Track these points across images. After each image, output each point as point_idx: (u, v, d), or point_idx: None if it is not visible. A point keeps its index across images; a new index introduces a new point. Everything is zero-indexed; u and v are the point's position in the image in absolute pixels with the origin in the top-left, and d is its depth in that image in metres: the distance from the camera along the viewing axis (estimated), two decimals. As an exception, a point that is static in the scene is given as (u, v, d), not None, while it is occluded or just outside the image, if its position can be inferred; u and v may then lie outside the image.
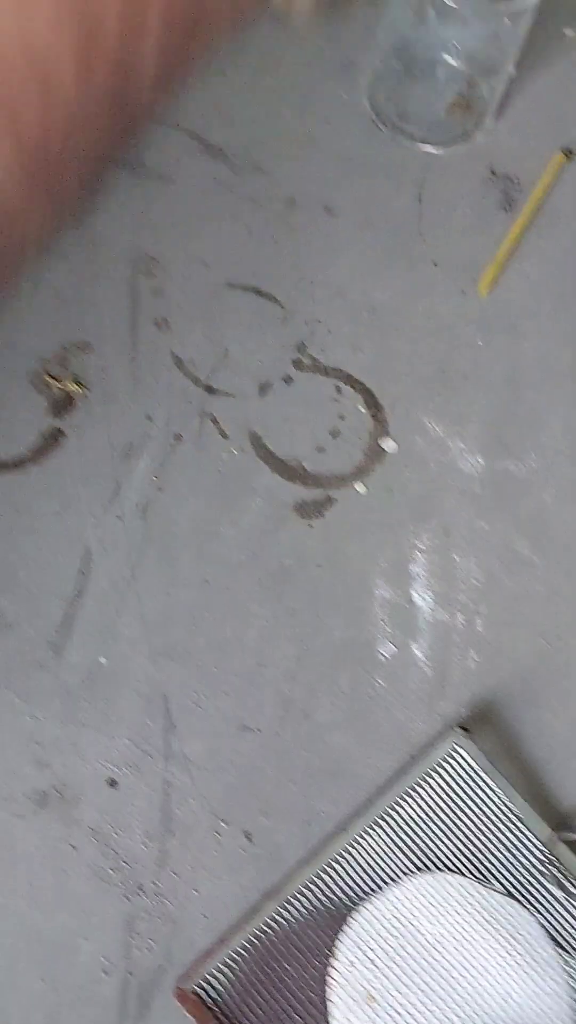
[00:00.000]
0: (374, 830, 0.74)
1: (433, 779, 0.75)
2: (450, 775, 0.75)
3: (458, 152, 0.90)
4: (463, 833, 0.75)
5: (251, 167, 0.89)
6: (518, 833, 0.75)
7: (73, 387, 0.85)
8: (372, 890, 0.74)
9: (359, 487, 0.82)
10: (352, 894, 0.74)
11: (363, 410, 0.84)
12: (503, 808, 0.75)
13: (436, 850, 0.74)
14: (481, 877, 0.74)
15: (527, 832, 0.74)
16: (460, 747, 0.75)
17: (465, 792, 0.75)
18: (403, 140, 0.89)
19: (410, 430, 0.84)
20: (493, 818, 0.75)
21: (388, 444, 0.83)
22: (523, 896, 0.74)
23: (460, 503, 0.82)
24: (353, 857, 0.74)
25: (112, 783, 0.76)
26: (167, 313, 0.85)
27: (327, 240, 0.87)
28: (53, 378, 0.84)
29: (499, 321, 0.85)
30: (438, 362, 0.85)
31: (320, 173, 0.89)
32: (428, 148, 0.89)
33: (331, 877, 0.74)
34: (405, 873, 0.74)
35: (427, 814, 0.75)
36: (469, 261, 0.87)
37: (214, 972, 0.72)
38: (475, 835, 0.75)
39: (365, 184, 0.89)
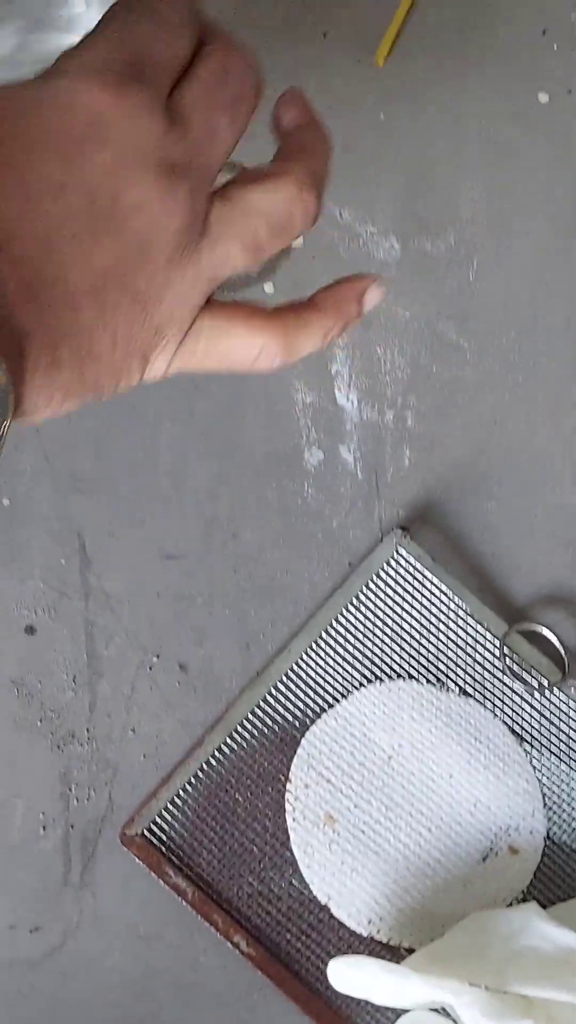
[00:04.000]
0: (319, 646, 0.61)
1: (377, 586, 0.61)
2: (395, 580, 0.61)
3: None
4: (413, 639, 0.61)
5: None
6: (471, 631, 0.61)
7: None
8: (322, 708, 0.60)
9: (267, 287, 0.64)
10: (302, 715, 0.61)
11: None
12: (454, 607, 0.61)
13: (387, 659, 0.61)
14: (436, 681, 0.60)
15: (481, 629, 0.61)
16: (402, 549, 0.61)
17: (412, 596, 0.61)
18: None
19: (315, 216, 0.64)
20: (444, 619, 0.61)
21: (293, 234, 0.64)
22: (482, 695, 0.60)
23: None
24: (300, 677, 0.61)
25: (30, 630, 0.61)
26: None
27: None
28: None
29: (400, 91, 0.64)
30: (338, 142, 0.64)
31: None
32: None
33: (278, 700, 0.61)
34: (356, 687, 0.60)
35: (373, 623, 0.61)
36: (362, 28, 0.66)
37: (161, 813, 0.59)
38: (426, 639, 0.61)
39: None
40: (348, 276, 0.40)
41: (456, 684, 0.62)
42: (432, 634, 0.63)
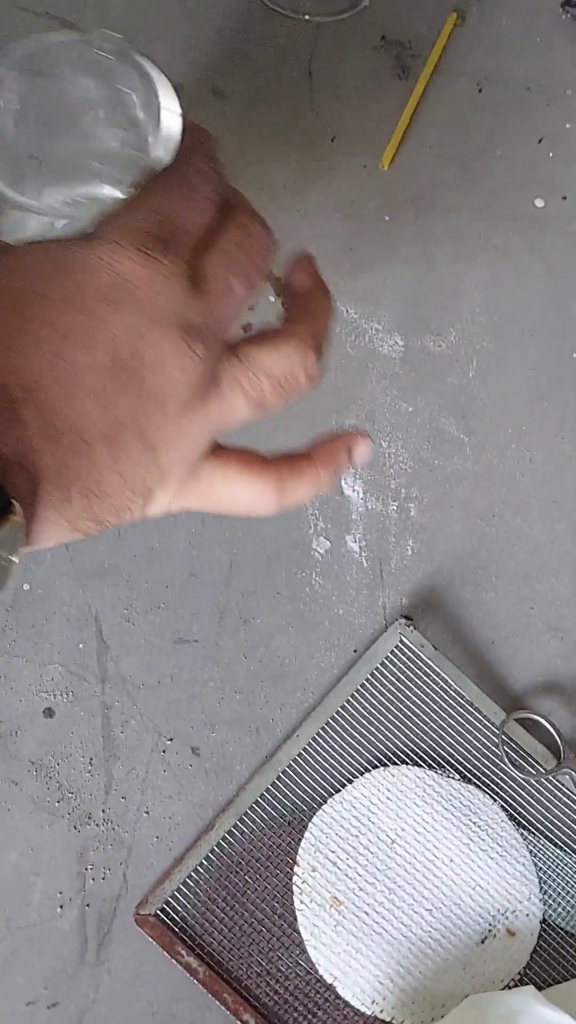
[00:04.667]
0: (326, 732, 0.63)
1: (381, 674, 0.63)
2: (398, 668, 0.63)
3: (346, 20, 0.68)
4: (416, 725, 0.63)
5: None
6: (471, 718, 0.63)
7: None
8: (329, 792, 0.61)
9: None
10: (309, 799, 0.62)
11: (272, 299, 0.65)
12: (454, 694, 0.62)
13: (390, 744, 0.62)
14: (437, 765, 0.61)
15: (480, 715, 0.63)
16: (405, 638, 0.61)
17: (415, 684, 0.63)
18: (287, 12, 0.67)
19: (323, 315, 0.65)
20: (445, 706, 0.62)
21: (302, 330, 0.65)
22: (481, 780, 0.62)
23: (381, 386, 0.65)
24: (308, 762, 0.63)
25: (49, 713, 0.62)
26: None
27: (217, 123, 0.66)
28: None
29: (404, 193, 0.65)
30: (345, 241, 0.66)
31: (204, 54, 0.67)
32: (314, 18, 0.67)
33: (286, 784, 0.62)
34: (361, 772, 0.61)
35: (378, 710, 0.63)
36: (367, 133, 0.66)
37: (174, 893, 0.61)
38: (428, 726, 0.63)
39: (252, 62, 0.68)
40: (339, 432, 0.43)
41: (456, 770, 0.63)
42: (434, 721, 0.64)
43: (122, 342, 0.35)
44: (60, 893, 0.63)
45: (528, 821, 0.62)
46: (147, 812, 0.64)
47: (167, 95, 0.41)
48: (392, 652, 0.64)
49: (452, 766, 0.63)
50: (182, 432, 0.37)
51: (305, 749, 0.63)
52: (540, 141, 0.68)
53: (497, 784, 0.63)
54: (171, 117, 0.41)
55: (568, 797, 0.62)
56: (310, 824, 0.63)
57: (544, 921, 0.62)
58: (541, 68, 0.69)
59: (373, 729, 0.64)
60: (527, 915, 0.61)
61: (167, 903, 0.62)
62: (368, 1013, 0.61)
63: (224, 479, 0.40)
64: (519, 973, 0.61)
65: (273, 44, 0.70)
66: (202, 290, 0.37)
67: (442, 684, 0.64)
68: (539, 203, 0.68)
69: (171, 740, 0.65)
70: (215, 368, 0.37)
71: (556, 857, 0.62)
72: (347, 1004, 0.61)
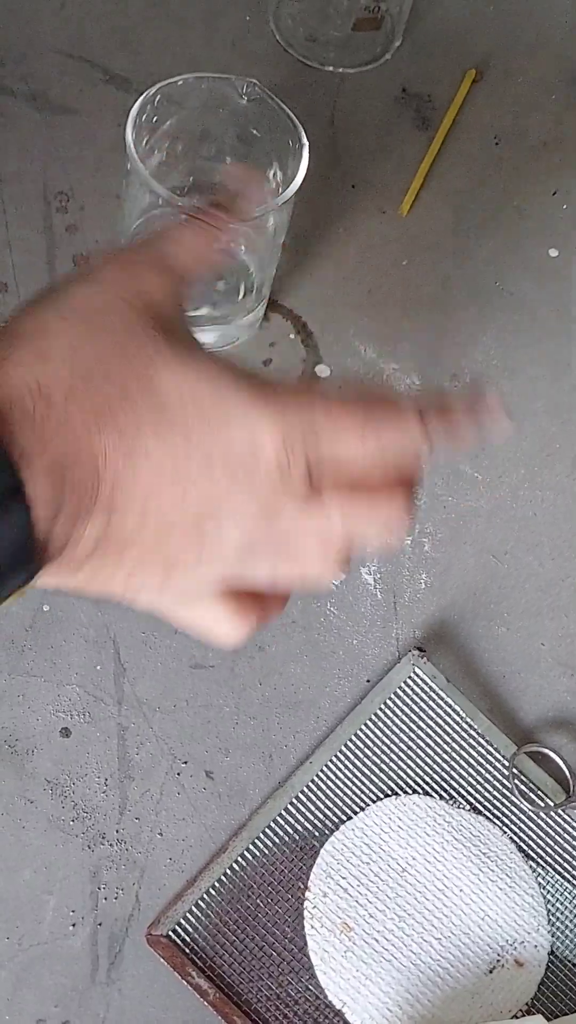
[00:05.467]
0: (339, 760, 0.63)
1: (394, 703, 0.63)
2: (411, 699, 0.63)
3: (369, 72, 0.70)
4: (427, 755, 0.63)
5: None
6: (482, 750, 0.63)
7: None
8: (341, 819, 0.61)
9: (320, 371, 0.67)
10: (321, 825, 0.62)
11: (293, 336, 0.66)
12: (465, 726, 0.62)
13: (402, 774, 0.62)
14: (448, 796, 0.61)
15: (491, 748, 0.63)
16: (418, 669, 0.62)
17: (427, 714, 0.63)
18: (312, 62, 0.69)
19: (342, 354, 0.67)
20: (456, 738, 0.62)
21: (321, 369, 0.66)
22: (491, 812, 0.62)
23: (399, 424, 0.65)
24: (320, 788, 0.63)
25: (65, 732, 0.62)
26: (85, 249, 0.67)
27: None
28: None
29: (422, 239, 0.67)
30: (365, 284, 0.67)
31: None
32: (338, 69, 0.69)
33: (299, 810, 0.62)
34: (372, 800, 0.61)
35: (390, 739, 0.63)
36: (387, 181, 0.68)
37: (186, 915, 0.60)
38: (439, 756, 0.62)
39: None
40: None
41: (467, 801, 0.63)
42: (445, 752, 0.64)
43: (212, 510, 0.36)
44: (72, 911, 0.63)
45: (537, 853, 0.62)
46: (161, 834, 0.64)
47: (305, 139, 0.49)
48: (405, 683, 0.64)
49: (463, 797, 0.63)
50: (196, 586, 0.38)
51: (318, 776, 0.63)
52: (554, 194, 0.70)
53: (507, 816, 0.63)
54: (306, 154, 0.50)
55: (576, 829, 0.62)
56: (322, 850, 0.62)
57: (552, 952, 0.61)
58: (555, 124, 0.71)
59: (385, 758, 0.64)
60: (535, 946, 0.61)
61: (179, 924, 0.62)
62: (376, 1040, 0.60)
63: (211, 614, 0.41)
64: (527, 1003, 0.61)
65: (298, 93, 0.72)
66: (310, 512, 0.37)
67: (453, 716, 0.64)
68: (553, 253, 0.69)
69: (186, 763, 0.65)
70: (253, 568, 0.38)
71: (564, 889, 0.62)
72: (355, 1030, 0.60)
